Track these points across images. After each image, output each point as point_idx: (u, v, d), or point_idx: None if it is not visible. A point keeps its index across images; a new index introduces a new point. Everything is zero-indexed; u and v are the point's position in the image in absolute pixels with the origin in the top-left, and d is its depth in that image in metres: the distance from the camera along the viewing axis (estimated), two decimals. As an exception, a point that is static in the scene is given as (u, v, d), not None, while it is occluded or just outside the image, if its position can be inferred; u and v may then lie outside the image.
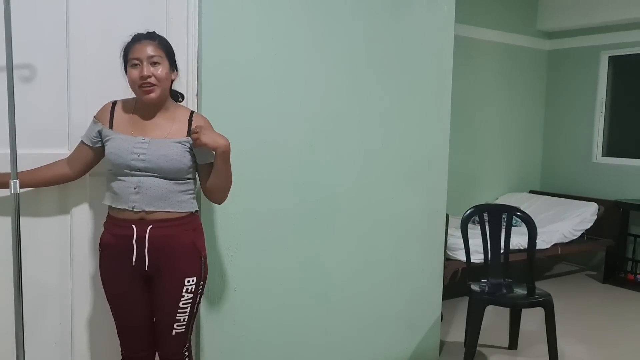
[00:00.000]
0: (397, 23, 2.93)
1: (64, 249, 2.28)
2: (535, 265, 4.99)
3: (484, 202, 5.06)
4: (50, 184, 2.14)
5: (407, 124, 3.01)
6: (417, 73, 3.02)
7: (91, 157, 2.09)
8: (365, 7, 2.82)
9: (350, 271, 2.91)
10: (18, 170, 1.94)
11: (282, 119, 2.64)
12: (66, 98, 2.23)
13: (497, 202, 5.41)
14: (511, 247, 4.01)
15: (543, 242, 4.50)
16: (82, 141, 2.09)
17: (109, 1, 2.28)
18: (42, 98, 2.19)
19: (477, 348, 3.48)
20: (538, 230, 4.47)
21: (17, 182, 1.90)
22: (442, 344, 3.50)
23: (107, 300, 2.10)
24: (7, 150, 1.91)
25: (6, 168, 1.93)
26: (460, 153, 5.24)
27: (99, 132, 2.04)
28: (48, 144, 2.19)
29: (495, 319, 3.86)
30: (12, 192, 1.90)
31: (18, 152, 1.95)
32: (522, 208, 4.97)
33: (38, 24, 2.16)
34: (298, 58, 2.66)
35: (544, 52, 5.80)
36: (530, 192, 5.74)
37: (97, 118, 2.07)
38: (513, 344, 3.49)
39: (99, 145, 2.06)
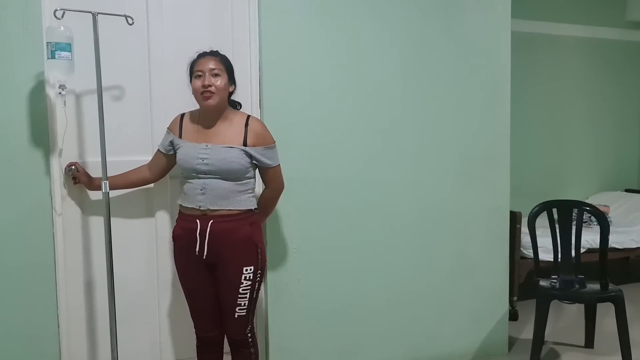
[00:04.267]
0: (450, 25, 3.05)
1: (150, 243, 2.66)
2: (626, 266, 4.80)
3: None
4: (136, 186, 2.52)
5: (463, 122, 3.10)
6: (472, 72, 3.10)
7: (165, 163, 2.44)
8: (417, 11, 2.97)
9: (410, 265, 3.05)
10: (109, 175, 2.33)
11: (338, 121, 2.86)
12: (149, 112, 2.61)
13: (588, 201, 5.21)
14: (590, 245, 3.93)
15: (632, 241, 4.29)
16: (158, 149, 2.44)
17: (182, 28, 2.64)
18: (130, 113, 2.59)
19: (553, 346, 3.47)
20: (626, 228, 4.35)
21: (107, 182, 2.29)
22: (515, 340, 3.51)
23: (181, 285, 2.41)
24: (99, 158, 2.31)
25: (100, 173, 2.32)
26: (547, 151, 5.15)
27: (171, 142, 2.38)
28: (135, 152, 2.58)
29: (576, 317, 3.79)
30: (104, 192, 2.28)
31: (110, 159, 2.35)
32: (612, 207, 4.79)
33: (125, 52, 2.56)
34: (352, 65, 2.88)
35: (637, 44, 5.51)
36: (626, 190, 5.45)
37: (169, 129, 2.41)
38: (589, 343, 3.41)
39: (171, 153, 2.39)
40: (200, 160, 2.25)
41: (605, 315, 3.57)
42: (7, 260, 2.37)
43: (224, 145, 2.27)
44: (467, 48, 3.09)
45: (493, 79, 3.16)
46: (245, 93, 2.66)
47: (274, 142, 2.38)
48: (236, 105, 2.44)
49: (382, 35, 2.92)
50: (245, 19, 2.72)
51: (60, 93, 2.29)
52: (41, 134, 2.39)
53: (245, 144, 2.28)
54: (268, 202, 2.50)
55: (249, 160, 2.30)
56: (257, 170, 2.39)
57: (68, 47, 2.20)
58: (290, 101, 2.77)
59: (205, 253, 2.27)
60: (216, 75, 2.27)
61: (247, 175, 2.32)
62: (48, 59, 2.21)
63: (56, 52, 2.18)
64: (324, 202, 2.86)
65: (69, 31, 2.22)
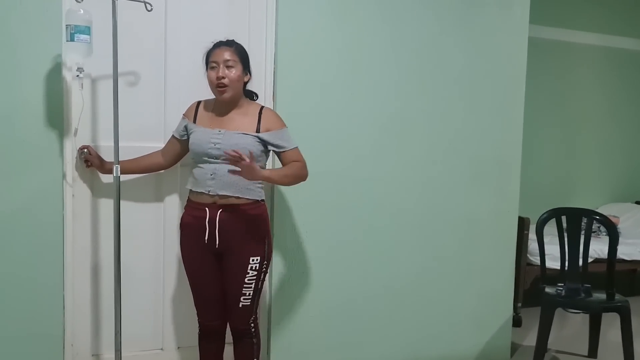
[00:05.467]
0: (467, 25, 3.04)
1: (158, 230, 2.67)
2: (633, 278, 4.76)
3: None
4: (147, 172, 2.54)
5: (475, 125, 3.09)
6: (487, 75, 3.09)
7: (179, 148, 2.45)
8: (435, 10, 2.97)
9: (415, 265, 3.04)
10: (122, 159, 2.34)
11: (350, 117, 2.86)
12: (163, 99, 2.63)
13: (598, 211, 5.16)
14: (597, 255, 3.90)
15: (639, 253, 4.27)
16: (172, 135, 2.46)
17: (200, 17, 2.65)
18: (144, 99, 2.60)
19: (556, 354, 3.45)
20: (635, 240, 4.32)
21: (119, 167, 2.30)
22: (517, 347, 3.49)
23: (186, 274, 2.43)
24: (112, 143, 2.32)
25: (112, 157, 2.33)
26: (559, 158, 5.13)
27: (185, 127, 2.40)
28: (147, 138, 2.59)
29: (580, 327, 3.77)
30: (115, 175, 2.30)
31: (123, 144, 2.36)
32: (622, 218, 4.75)
33: (142, 38, 2.58)
34: (367, 61, 2.87)
35: (654, 55, 5.48)
36: (637, 202, 5.41)
37: (185, 115, 2.43)
38: (593, 352, 3.39)
39: (185, 138, 2.41)
40: (212, 145, 2.27)
41: (611, 325, 3.54)
42: (17, 240, 2.39)
43: (237, 132, 2.29)
44: (483, 50, 3.08)
45: (508, 83, 3.15)
46: (259, 85, 2.67)
47: (286, 126, 2.38)
48: (252, 96, 2.46)
49: (397, 32, 2.92)
50: (263, 12, 2.73)
51: (77, 76, 2.31)
52: (57, 115, 2.41)
53: (258, 131, 2.30)
54: (290, 168, 2.35)
55: (262, 148, 2.32)
56: (270, 160, 2.39)
57: (87, 30, 2.22)
58: (304, 95, 2.77)
59: (216, 242, 2.28)
60: (230, 67, 2.28)
61: (257, 164, 2.32)
62: (67, 41, 2.22)
63: (75, 35, 2.20)
64: (331, 197, 2.86)
65: (89, 14, 2.23)
